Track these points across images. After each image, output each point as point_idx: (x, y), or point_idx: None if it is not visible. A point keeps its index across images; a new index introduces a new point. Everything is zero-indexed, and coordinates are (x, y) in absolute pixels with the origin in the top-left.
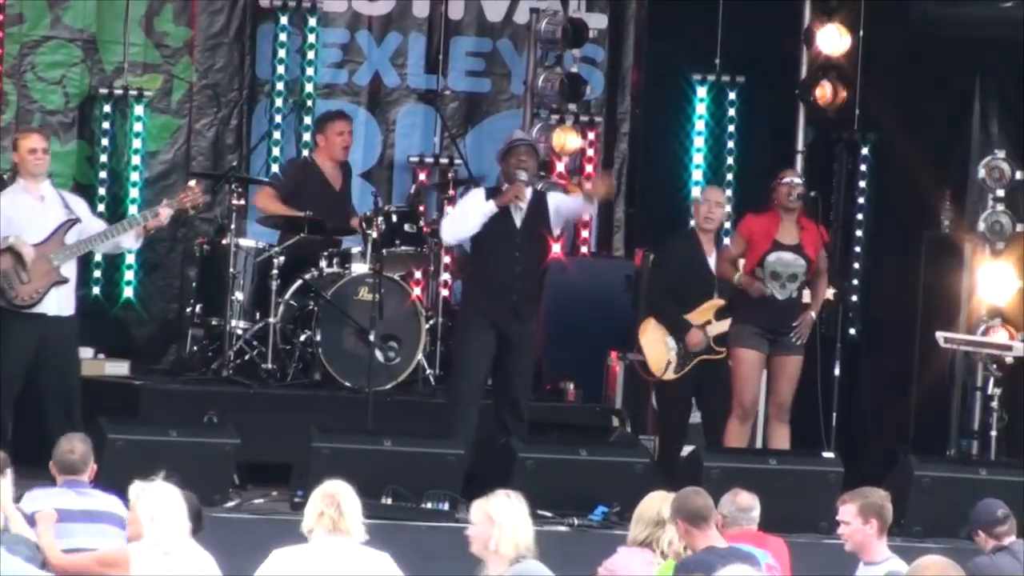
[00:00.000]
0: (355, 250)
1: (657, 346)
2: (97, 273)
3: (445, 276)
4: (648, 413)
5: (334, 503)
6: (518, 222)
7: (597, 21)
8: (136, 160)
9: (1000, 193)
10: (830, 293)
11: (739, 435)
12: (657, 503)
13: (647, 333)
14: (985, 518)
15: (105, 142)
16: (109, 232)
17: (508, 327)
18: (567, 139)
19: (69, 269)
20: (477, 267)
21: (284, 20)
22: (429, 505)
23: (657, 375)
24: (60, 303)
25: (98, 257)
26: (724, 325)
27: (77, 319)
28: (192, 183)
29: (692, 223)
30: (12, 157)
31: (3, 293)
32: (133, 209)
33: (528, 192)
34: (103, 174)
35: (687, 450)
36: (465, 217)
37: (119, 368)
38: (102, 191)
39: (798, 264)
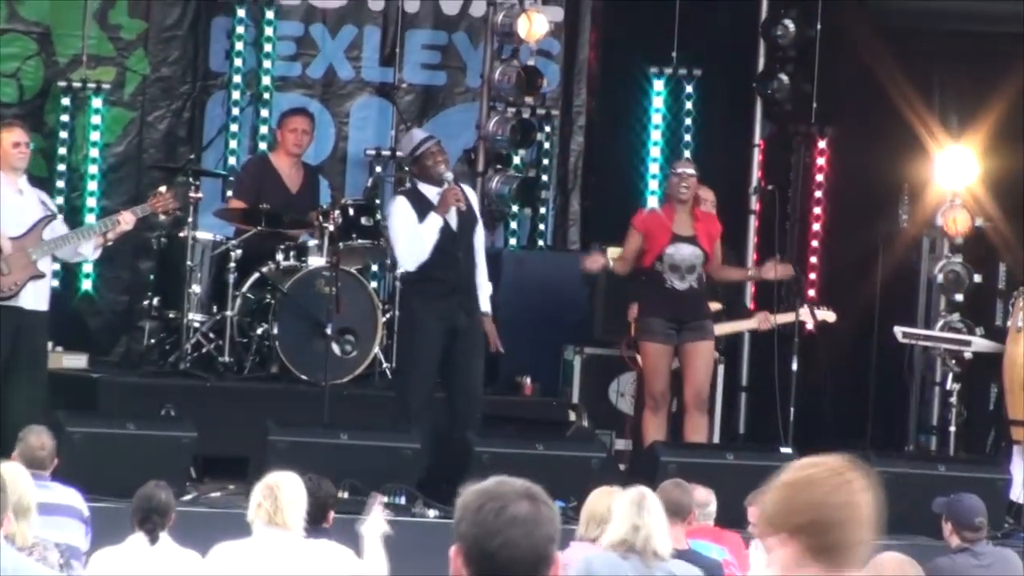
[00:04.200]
0: (312, 243)
1: None
2: (56, 266)
3: (400, 269)
4: (606, 410)
5: (272, 495)
6: (454, 224)
7: (553, 14)
8: (94, 153)
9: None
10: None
11: (656, 426)
12: (607, 500)
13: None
14: (964, 517)
15: (63, 135)
16: (74, 236)
17: (458, 322)
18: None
19: (45, 265)
20: (419, 269)
21: (241, 13)
22: (386, 499)
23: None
24: (36, 297)
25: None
26: (736, 325)
27: (48, 315)
28: (163, 188)
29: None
30: None
31: None
32: (91, 202)
33: (454, 186)
34: (61, 167)
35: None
36: (420, 239)
37: (77, 361)
38: (60, 184)
39: (695, 255)
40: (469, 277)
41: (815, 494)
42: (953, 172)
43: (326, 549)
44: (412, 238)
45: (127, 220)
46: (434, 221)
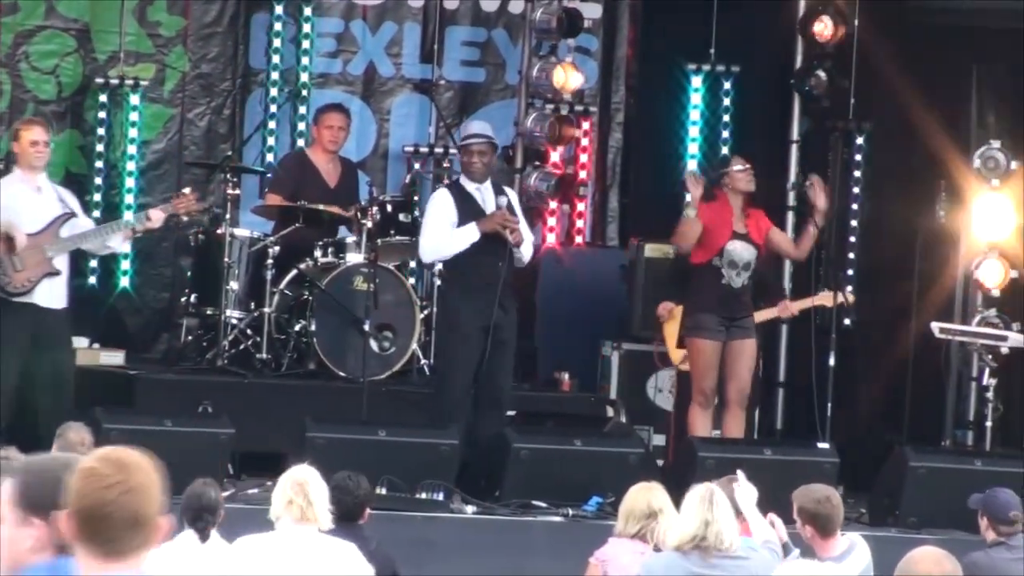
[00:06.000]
0: (350, 240)
1: (676, 337)
2: (93, 263)
3: (440, 266)
4: (644, 406)
5: (303, 492)
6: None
7: (591, 10)
8: (132, 150)
9: (995, 183)
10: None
11: (703, 422)
12: (646, 495)
13: (671, 321)
14: (1000, 512)
15: (101, 132)
16: (100, 231)
17: (494, 318)
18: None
19: (61, 263)
20: (455, 265)
21: (279, 9)
22: (424, 495)
23: (675, 362)
24: (52, 295)
25: None
26: (760, 315)
27: (69, 312)
28: (187, 190)
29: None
30: (12, 146)
31: None
32: (129, 199)
33: (507, 212)
34: (99, 164)
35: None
36: (448, 244)
37: (114, 358)
38: (97, 180)
39: (750, 253)
40: (505, 277)
41: (84, 486)
42: (990, 171)
43: (349, 553)
44: (441, 238)
45: (156, 218)
46: (470, 234)
